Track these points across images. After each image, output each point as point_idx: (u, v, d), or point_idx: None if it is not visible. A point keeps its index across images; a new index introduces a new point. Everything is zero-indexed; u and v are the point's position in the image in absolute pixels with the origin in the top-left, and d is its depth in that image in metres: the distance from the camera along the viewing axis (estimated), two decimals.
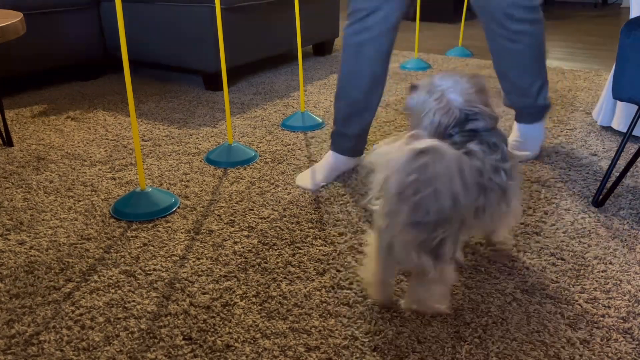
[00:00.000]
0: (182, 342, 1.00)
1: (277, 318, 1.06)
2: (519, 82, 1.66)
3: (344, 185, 1.60)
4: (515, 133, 1.79)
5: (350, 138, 1.63)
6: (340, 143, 1.65)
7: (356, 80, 1.57)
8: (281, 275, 1.19)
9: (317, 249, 1.28)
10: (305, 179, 1.61)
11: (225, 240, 1.32)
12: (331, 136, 1.67)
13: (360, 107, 1.59)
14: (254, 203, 1.50)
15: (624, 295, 1.11)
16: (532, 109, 1.72)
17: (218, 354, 0.97)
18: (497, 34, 1.60)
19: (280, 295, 1.12)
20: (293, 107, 2.33)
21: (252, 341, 1.00)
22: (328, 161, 1.66)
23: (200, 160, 1.80)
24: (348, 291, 1.13)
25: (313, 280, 1.17)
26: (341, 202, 1.50)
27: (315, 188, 1.59)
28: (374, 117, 1.75)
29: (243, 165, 1.74)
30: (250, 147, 1.89)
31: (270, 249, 1.28)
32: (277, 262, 1.23)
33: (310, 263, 1.23)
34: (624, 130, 1.90)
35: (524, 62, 1.62)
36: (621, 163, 1.70)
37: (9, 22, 1.62)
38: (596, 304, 1.08)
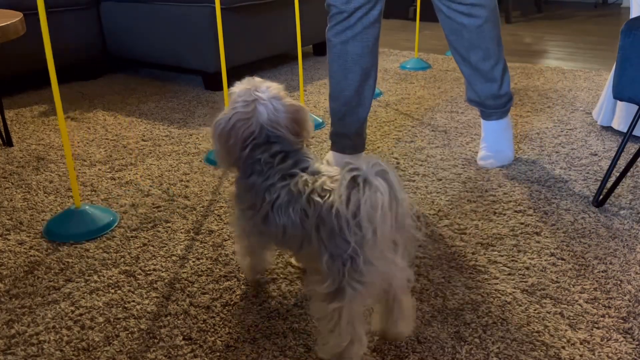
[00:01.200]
0: (182, 342, 1.00)
1: (277, 318, 1.05)
2: (481, 66, 1.60)
3: None
4: (483, 144, 1.74)
5: (349, 137, 1.63)
6: (339, 142, 1.65)
7: (345, 80, 1.56)
8: (281, 275, 1.19)
9: None
10: None
11: (225, 240, 1.32)
12: (330, 137, 1.67)
13: (353, 104, 1.59)
14: None
15: (624, 296, 1.10)
16: (498, 100, 1.65)
17: (218, 354, 0.97)
18: (452, 12, 1.53)
19: (280, 295, 1.12)
20: None
21: (252, 341, 1.00)
22: (330, 162, 1.66)
23: (200, 161, 1.80)
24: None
25: None
26: None
27: None
28: (369, 110, 1.73)
29: None
30: None
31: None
32: (277, 262, 1.23)
33: None
34: (624, 130, 1.90)
35: (484, 40, 1.56)
36: (621, 163, 1.70)
37: (9, 22, 1.62)
38: (596, 304, 1.08)
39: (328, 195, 0.86)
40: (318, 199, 0.87)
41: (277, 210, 0.93)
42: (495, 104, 1.67)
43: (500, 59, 1.62)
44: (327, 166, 0.96)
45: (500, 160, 1.72)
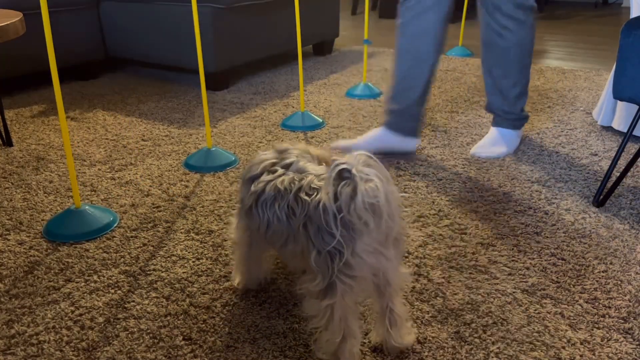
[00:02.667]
0: (182, 342, 1.00)
1: (277, 318, 1.05)
2: (501, 83, 1.76)
3: None
4: (488, 135, 1.85)
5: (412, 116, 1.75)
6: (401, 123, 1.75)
7: (422, 40, 1.67)
8: (281, 275, 1.19)
9: None
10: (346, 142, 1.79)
11: (225, 240, 1.32)
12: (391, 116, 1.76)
13: (425, 66, 1.70)
14: None
15: (625, 296, 1.10)
16: (509, 115, 1.81)
17: (218, 354, 0.97)
18: (487, 25, 1.69)
19: (280, 295, 1.12)
20: (293, 107, 2.33)
21: (252, 341, 1.00)
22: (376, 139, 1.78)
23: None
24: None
25: None
26: None
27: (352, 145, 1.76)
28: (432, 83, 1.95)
29: (222, 170, 1.71)
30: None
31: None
32: (278, 262, 1.23)
33: None
34: (624, 130, 1.90)
35: (507, 61, 1.71)
36: (622, 163, 1.70)
37: (9, 22, 1.62)
38: (597, 304, 1.08)
39: (315, 193, 0.87)
40: (306, 197, 0.87)
41: (262, 205, 0.94)
42: (505, 117, 1.82)
43: (519, 83, 1.75)
44: (313, 164, 0.96)
45: (489, 153, 1.79)
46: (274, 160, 0.99)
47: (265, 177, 0.96)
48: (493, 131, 1.85)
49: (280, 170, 0.96)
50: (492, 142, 1.80)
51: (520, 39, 1.66)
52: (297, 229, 0.88)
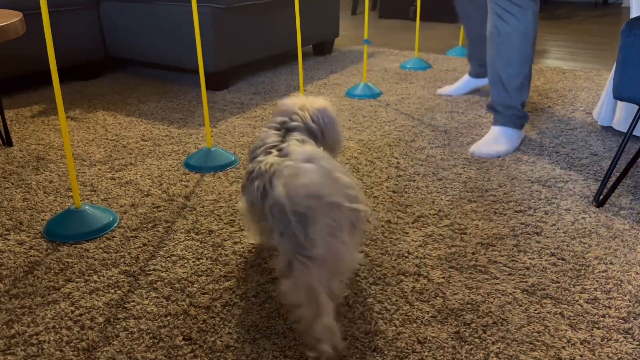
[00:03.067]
0: (182, 342, 1.00)
1: (277, 318, 1.05)
2: (503, 73, 1.81)
3: None
4: (489, 134, 1.88)
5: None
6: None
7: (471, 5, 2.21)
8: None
9: None
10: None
11: (225, 240, 1.32)
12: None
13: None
14: None
15: (625, 296, 1.10)
16: (510, 111, 1.84)
17: (218, 354, 0.97)
18: (491, 10, 1.78)
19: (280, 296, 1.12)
20: None
21: (252, 341, 1.00)
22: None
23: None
24: (348, 291, 1.13)
25: None
26: None
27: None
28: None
29: (222, 170, 1.72)
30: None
31: (270, 249, 1.28)
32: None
33: None
34: (625, 130, 1.90)
35: (510, 49, 1.77)
36: (622, 163, 1.70)
37: (9, 22, 1.62)
38: (597, 304, 1.08)
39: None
40: (276, 181, 0.93)
41: (249, 182, 1.03)
42: (506, 114, 1.85)
43: (520, 74, 1.80)
44: (300, 147, 1.02)
45: (489, 151, 1.81)
46: (273, 143, 1.07)
47: (259, 157, 1.05)
48: (493, 130, 1.87)
49: (274, 153, 1.04)
50: (491, 141, 1.83)
51: (523, 24, 1.72)
52: (269, 210, 0.95)
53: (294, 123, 1.14)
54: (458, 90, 2.45)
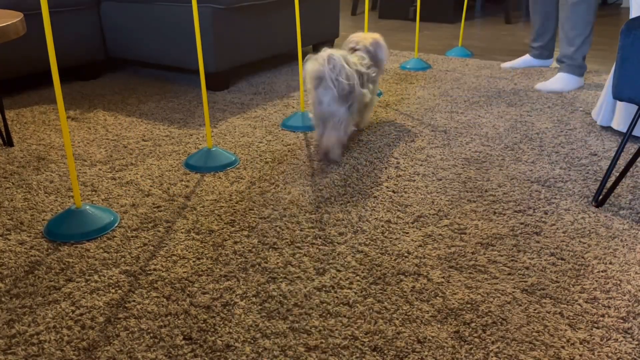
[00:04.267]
0: (182, 342, 1.00)
1: (277, 318, 1.06)
2: (569, 33, 2.45)
3: (344, 185, 1.60)
4: (554, 77, 2.54)
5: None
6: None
7: None
8: (281, 275, 1.19)
9: (317, 249, 1.28)
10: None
11: (225, 240, 1.33)
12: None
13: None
14: (254, 203, 1.50)
15: (624, 295, 1.11)
16: (573, 61, 2.48)
17: (218, 354, 0.97)
18: None
19: (280, 295, 1.12)
20: (293, 107, 2.33)
21: (252, 341, 1.00)
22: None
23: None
24: (348, 291, 1.13)
25: (313, 280, 1.17)
26: (341, 202, 1.50)
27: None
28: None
29: (223, 170, 1.72)
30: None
31: (270, 249, 1.28)
32: (277, 262, 1.23)
33: (310, 263, 1.23)
34: (624, 130, 1.90)
35: (576, 15, 2.39)
36: (621, 163, 1.71)
37: (9, 22, 1.63)
38: (596, 303, 1.08)
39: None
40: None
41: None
42: (570, 63, 2.50)
43: (582, 34, 2.42)
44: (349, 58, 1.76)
45: (551, 88, 2.50)
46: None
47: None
48: (559, 75, 2.53)
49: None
50: (556, 82, 2.50)
51: None
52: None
53: (358, 46, 1.94)
54: (516, 65, 2.96)
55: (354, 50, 1.92)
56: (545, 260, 1.23)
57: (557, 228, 1.36)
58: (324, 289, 1.14)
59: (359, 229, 1.37)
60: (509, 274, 1.18)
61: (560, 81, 2.50)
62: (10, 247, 1.31)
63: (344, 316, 1.06)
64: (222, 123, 2.15)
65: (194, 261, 1.24)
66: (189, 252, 1.28)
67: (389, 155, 1.81)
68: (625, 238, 1.31)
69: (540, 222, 1.39)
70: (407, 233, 1.35)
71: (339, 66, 1.61)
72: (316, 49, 3.36)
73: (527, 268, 1.20)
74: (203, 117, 2.23)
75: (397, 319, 1.05)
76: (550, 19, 2.72)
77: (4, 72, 2.44)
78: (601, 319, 1.04)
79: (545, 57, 2.91)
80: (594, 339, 0.99)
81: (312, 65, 1.63)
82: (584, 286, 1.14)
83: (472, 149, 1.85)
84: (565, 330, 1.01)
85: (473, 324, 1.03)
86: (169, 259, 1.25)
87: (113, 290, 1.15)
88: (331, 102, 1.66)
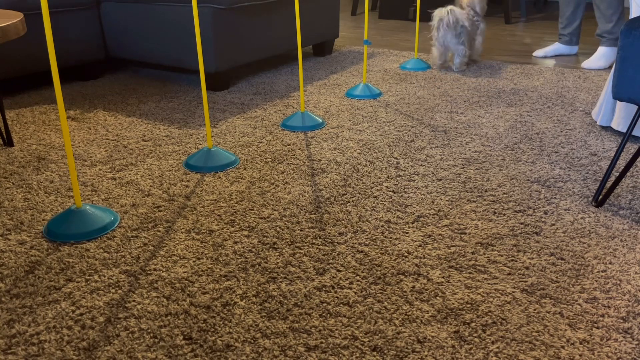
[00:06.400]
0: (183, 342, 1.00)
1: (277, 318, 1.06)
2: (605, 12, 2.83)
3: (344, 185, 1.60)
4: (596, 53, 2.93)
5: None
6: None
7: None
8: (281, 275, 1.19)
9: (317, 249, 1.28)
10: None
11: (225, 240, 1.33)
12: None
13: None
14: (254, 203, 1.51)
15: (624, 295, 1.11)
16: (610, 35, 2.85)
17: (218, 353, 0.97)
18: None
19: (280, 295, 1.12)
20: (293, 107, 2.33)
21: (252, 341, 1.00)
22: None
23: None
24: (348, 291, 1.13)
25: (313, 280, 1.17)
26: (341, 202, 1.50)
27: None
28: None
29: (223, 170, 1.72)
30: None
31: (270, 249, 1.28)
32: (277, 262, 1.23)
33: (310, 263, 1.23)
34: (624, 131, 1.90)
35: None
36: (621, 163, 1.71)
37: (9, 22, 1.63)
38: (596, 303, 1.08)
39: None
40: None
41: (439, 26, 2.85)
42: (609, 37, 2.86)
43: (617, 11, 2.82)
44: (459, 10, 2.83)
45: (596, 65, 2.89)
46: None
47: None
48: (600, 49, 2.91)
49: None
50: (598, 58, 2.89)
51: None
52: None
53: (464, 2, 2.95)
54: (548, 53, 3.25)
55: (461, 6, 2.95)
56: (545, 260, 1.23)
57: (557, 228, 1.36)
58: (324, 289, 1.14)
59: (359, 229, 1.37)
60: (509, 274, 1.18)
61: (603, 56, 2.88)
62: (10, 247, 1.31)
63: (344, 316, 1.06)
64: (222, 123, 2.15)
65: (194, 261, 1.24)
66: (189, 252, 1.28)
67: (389, 155, 1.81)
68: (625, 238, 1.31)
69: (540, 222, 1.39)
70: (407, 233, 1.35)
71: (455, 13, 2.73)
72: (316, 49, 3.36)
73: (527, 268, 1.20)
74: (203, 117, 2.23)
75: (397, 319, 1.05)
76: (581, 7, 3.03)
77: (4, 72, 2.44)
78: (601, 319, 1.04)
79: (574, 44, 3.21)
80: (594, 339, 0.99)
81: (438, 11, 2.73)
82: (584, 286, 1.14)
83: (472, 149, 1.85)
84: (565, 330, 1.01)
85: (473, 324, 1.03)
86: (169, 259, 1.26)
87: (113, 290, 1.15)
88: (450, 38, 2.80)
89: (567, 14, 3.08)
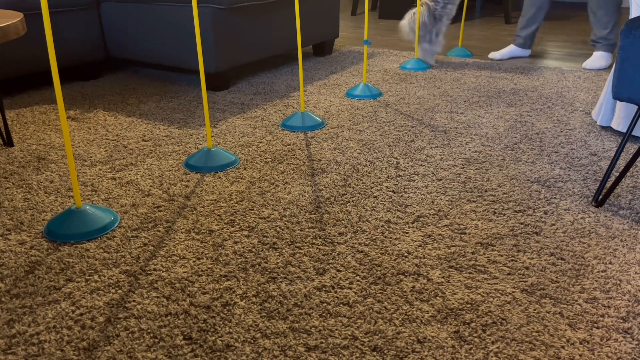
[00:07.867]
0: (183, 342, 1.00)
1: (277, 318, 1.06)
2: (602, 18, 2.83)
3: (344, 185, 1.60)
4: (592, 56, 2.92)
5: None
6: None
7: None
8: (281, 275, 1.19)
9: (317, 249, 1.28)
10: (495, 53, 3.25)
11: (225, 240, 1.33)
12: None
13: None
14: (254, 203, 1.51)
15: (624, 295, 1.11)
16: (606, 41, 2.86)
17: (218, 353, 0.97)
18: None
19: (280, 295, 1.12)
20: (293, 107, 2.33)
21: (252, 341, 1.00)
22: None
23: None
24: (348, 291, 1.13)
25: (313, 280, 1.17)
26: (341, 202, 1.50)
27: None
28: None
29: (223, 170, 1.73)
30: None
31: (270, 249, 1.28)
32: (277, 262, 1.23)
33: (310, 263, 1.23)
34: (624, 131, 1.90)
35: (606, 4, 2.78)
36: (621, 163, 1.71)
37: (9, 23, 1.63)
38: (596, 303, 1.08)
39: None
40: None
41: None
42: (604, 43, 2.88)
43: (612, 18, 2.82)
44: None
45: (596, 66, 2.90)
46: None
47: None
48: (596, 54, 2.91)
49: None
50: (595, 60, 2.88)
51: None
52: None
53: None
54: (504, 56, 3.22)
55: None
56: (545, 260, 1.23)
57: (557, 228, 1.36)
58: (324, 289, 1.14)
59: (359, 229, 1.37)
60: (509, 274, 1.18)
61: (601, 59, 2.91)
62: (10, 247, 1.31)
63: (344, 316, 1.06)
64: (222, 123, 2.15)
65: (194, 261, 1.24)
66: (189, 252, 1.28)
67: (389, 155, 1.81)
68: (625, 238, 1.31)
69: (540, 222, 1.39)
70: (407, 233, 1.35)
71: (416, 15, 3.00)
72: (316, 49, 3.36)
73: (527, 268, 1.20)
74: (203, 117, 2.23)
75: (397, 319, 1.05)
76: (542, 10, 3.02)
77: (4, 72, 2.44)
78: (601, 319, 1.04)
79: (527, 47, 3.19)
80: (594, 339, 0.99)
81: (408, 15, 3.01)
82: (584, 286, 1.14)
83: (472, 149, 1.85)
84: (565, 330, 1.01)
85: (473, 324, 1.03)
86: (169, 259, 1.26)
87: (113, 290, 1.15)
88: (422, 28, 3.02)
89: (527, 16, 3.07)
